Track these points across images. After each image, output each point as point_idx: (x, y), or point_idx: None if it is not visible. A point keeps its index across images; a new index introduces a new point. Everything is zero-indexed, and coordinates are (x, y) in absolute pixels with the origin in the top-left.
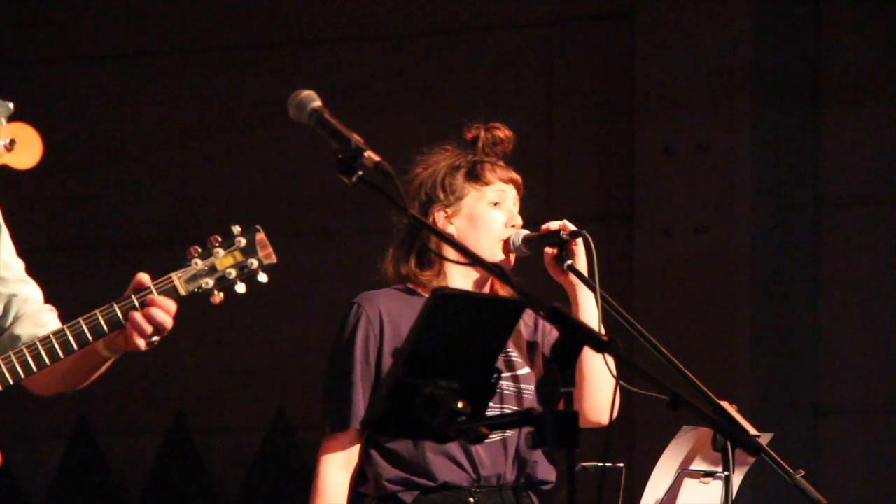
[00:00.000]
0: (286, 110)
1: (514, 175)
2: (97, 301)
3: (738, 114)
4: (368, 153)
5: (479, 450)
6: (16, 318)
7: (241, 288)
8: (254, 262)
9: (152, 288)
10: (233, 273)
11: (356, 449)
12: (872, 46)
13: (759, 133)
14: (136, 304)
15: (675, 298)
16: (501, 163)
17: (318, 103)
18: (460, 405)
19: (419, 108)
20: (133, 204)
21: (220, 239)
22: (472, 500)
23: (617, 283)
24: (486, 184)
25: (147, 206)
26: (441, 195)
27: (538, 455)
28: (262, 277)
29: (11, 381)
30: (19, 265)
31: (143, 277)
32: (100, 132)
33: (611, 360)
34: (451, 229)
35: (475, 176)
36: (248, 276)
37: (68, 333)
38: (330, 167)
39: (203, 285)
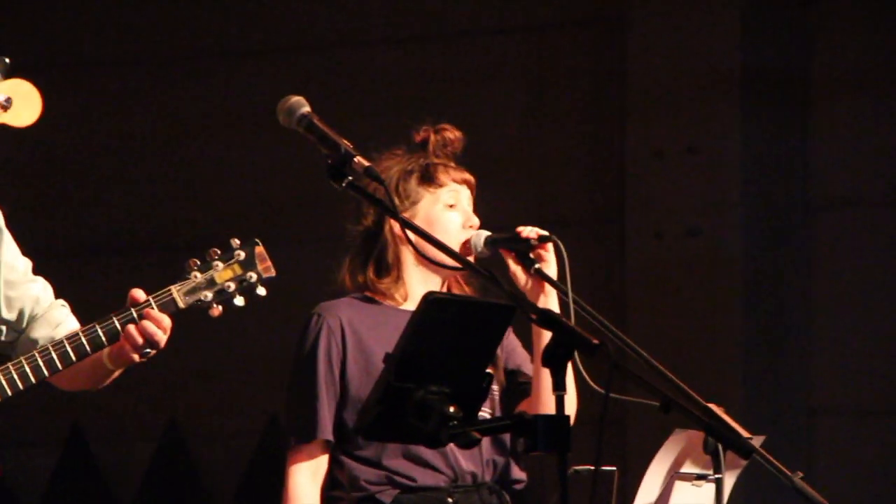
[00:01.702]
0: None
1: (467, 175)
2: (95, 306)
3: (728, 116)
4: (358, 158)
5: (454, 451)
6: (31, 321)
7: (239, 301)
8: (252, 276)
9: (151, 301)
10: (231, 286)
11: (324, 459)
12: (861, 48)
13: (749, 135)
14: (135, 316)
15: (666, 301)
16: (453, 164)
17: (306, 109)
18: (452, 410)
19: (409, 112)
20: (133, 209)
21: (218, 252)
22: (450, 500)
23: (608, 287)
24: (440, 186)
25: (147, 210)
26: (396, 201)
27: (508, 455)
28: (261, 291)
29: (10, 393)
30: (25, 265)
31: (138, 293)
32: (99, 136)
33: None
34: (409, 235)
35: (428, 179)
36: (246, 289)
37: (67, 346)
38: (322, 171)
39: (202, 298)
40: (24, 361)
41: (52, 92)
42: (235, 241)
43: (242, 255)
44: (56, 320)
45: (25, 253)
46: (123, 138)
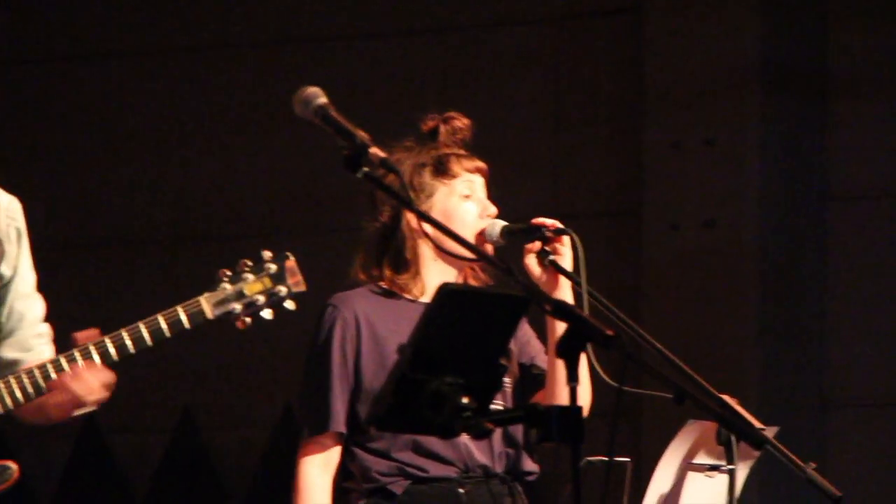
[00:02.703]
0: (291, 107)
1: (480, 163)
2: (98, 300)
3: (746, 108)
4: (374, 149)
5: (465, 443)
6: (7, 335)
7: (267, 314)
8: (282, 290)
9: (91, 349)
10: (261, 299)
11: (336, 451)
12: (881, 40)
13: (767, 127)
14: (69, 361)
15: (683, 293)
16: (464, 152)
17: (323, 100)
18: (465, 400)
19: (425, 104)
20: (135, 202)
21: (249, 263)
22: (461, 490)
23: (625, 278)
24: (454, 177)
25: (151, 204)
26: (411, 195)
27: (520, 447)
28: (289, 305)
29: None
30: (32, 279)
31: (89, 334)
32: (103, 130)
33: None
34: (427, 229)
35: (442, 170)
36: (275, 302)
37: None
38: (337, 164)
39: (231, 309)
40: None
41: (52, 84)
42: (267, 254)
43: (273, 268)
44: (30, 346)
45: (60, 242)
46: (120, 132)
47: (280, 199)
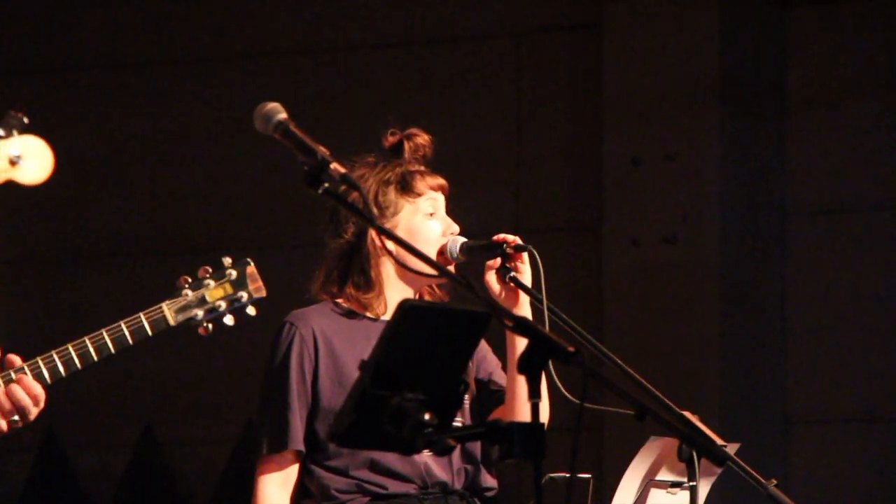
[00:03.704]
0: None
1: (442, 181)
2: (85, 312)
3: (705, 124)
4: (334, 165)
5: (424, 461)
6: None
7: (229, 320)
8: (243, 295)
9: (26, 368)
10: (222, 305)
11: (294, 469)
12: (838, 55)
13: (726, 143)
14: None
15: (643, 309)
16: (427, 170)
17: (283, 115)
18: (427, 417)
19: (385, 119)
20: (117, 215)
21: (210, 270)
22: None
23: (585, 294)
24: (419, 195)
25: (132, 216)
26: (375, 212)
27: (478, 463)
28: (250, 310)
29: None
30: None
31: (13, 358)
32: (83, 143)
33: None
34: (389, 246)
35: (407, 188)
36: (236, 308)
37: None
38: (298, 180)
39: (193, 316)
40: None
41: (52, 94)
42: (227, 260)
43: (234, 274)
44: None
45: (25, 256)
46: (117, 142)
47: (241, 214)
